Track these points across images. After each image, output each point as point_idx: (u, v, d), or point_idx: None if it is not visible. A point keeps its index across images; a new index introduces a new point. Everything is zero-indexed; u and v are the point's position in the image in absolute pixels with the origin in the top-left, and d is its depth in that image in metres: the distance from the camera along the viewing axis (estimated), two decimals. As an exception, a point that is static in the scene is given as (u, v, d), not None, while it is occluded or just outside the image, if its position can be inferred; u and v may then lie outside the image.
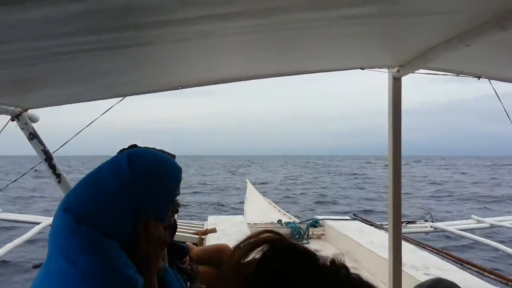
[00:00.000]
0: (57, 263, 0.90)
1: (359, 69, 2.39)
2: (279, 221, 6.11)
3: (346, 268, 0.48)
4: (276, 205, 8.26)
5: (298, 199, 20.91)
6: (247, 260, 0.49)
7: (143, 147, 1.63)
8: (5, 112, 2.20)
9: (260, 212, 7.38)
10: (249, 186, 10.19)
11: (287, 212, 7.89)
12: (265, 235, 0.51)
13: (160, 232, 1.04)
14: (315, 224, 5.87)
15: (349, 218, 6.55)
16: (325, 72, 2.50)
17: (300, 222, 6.25)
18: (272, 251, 0.48)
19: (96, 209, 0.95)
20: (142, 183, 1.00)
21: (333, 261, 0.49)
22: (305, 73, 2.52)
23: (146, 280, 0.99)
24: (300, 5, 1.23)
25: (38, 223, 4.55)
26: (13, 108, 2.26)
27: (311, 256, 0.49)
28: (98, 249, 0.91)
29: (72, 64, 1.54)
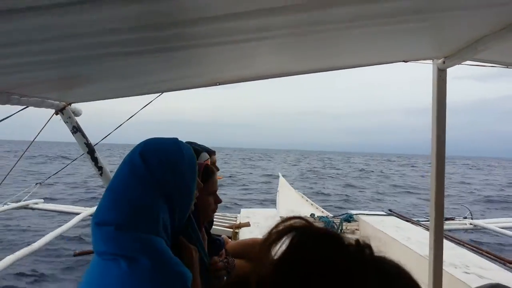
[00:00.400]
0: (108, 266, 0.91)
1: (402, 62, 2.31)
2: (312, 215, 6.06)
3: (370, 247, 0.50)
4: (308, 199, 8.20)
5: (326, 194, 20.62)
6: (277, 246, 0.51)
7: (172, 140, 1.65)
8: (50, 106, 2.28)
9: (293, 205, 7.35)
10: (281, 179, 10.17)
11: (320, 206, 7.82)
12: (292, 221, 0.53)
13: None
14: (349, 218, 5.78)
15: (384, 213, 6.41)
16: (365, 67, 2.43)
17: (333, 217, 6.17)
18: (299, 237, 0.50)
19: (130, 213, 0.96)
20: (160, 174, 1.02)
21: (357, 241, 0.50)
22: (344, 68, 2.46)
23: (193, 274, 1.00)
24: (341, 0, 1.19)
25: (78, 213, 4.73)
26: (58, 102, 2.34)
27: (337, 238, 0.50)
28: (149, 248, 0.92)
29: (117, 64, 1.58)
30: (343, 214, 6.09)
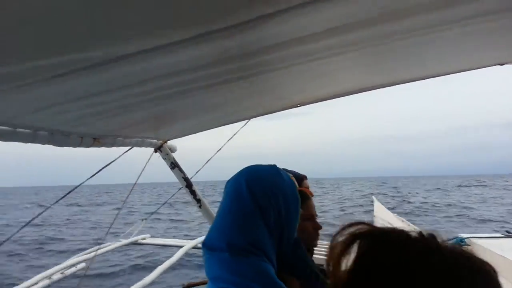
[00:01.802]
0: None
1: (498, 65, 2.09)
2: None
3: (434, 237, 0.51)
4: (407, 221, 7.62)
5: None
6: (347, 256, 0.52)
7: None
8: (150, 145, 2.50)
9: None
10: (376, 203, 9.66)
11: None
12: (355, 227, 0.53)
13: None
14: (460, 242, 5.21)
15: (501, 235, 5.67)
16: (455, 74, 2.26)
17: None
18: (369, 243, 0.51)
19: (241, 240, 0.97)
20: (265, 202, 1.02)
21: (420, 233, 0.51)
22: (430, 77, 2.32)
23: None
24: (424, 6, 1.13)
25: (181, 246, 4.97)
26: (156, 140, 2.55)
27: (404, 236, 0.51)
28: (262, 274, 0.93)
29: (204, 97, 1.69)
30: (452, 238, 5.52)
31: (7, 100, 1.00)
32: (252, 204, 1.01)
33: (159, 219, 21.14)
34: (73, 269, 3.82)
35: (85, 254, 4.15)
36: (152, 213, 4.40)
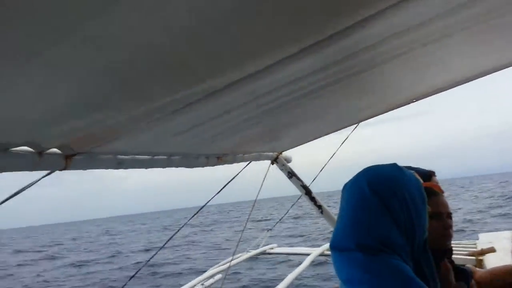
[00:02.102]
0: None
1: None
2: None
3: None
4: None
5: None
6: None
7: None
8: (266, 157, 2.62)
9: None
10: None
11: None
12: None
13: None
14: None
15: None
16: None
17: None
18: None
19: (373, 240, 0.96)
20: (392, 203, 1.00)
21: None
22: None
23: None
24: None
25: (308, 254, 5.01)
26: (271, 153, 2.67)
27: None
28: (399, 272, 0.92)
29: (312, 104, 1.71)
30: None
31: (150, 132, 1.18)
32: (377, 202, 0.99)
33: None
34: (211, 281, 4.14)
35: (220, 266, 4.47)
36: (275, 223, 4.55)
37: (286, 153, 2.83)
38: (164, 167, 1.72)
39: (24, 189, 1.20)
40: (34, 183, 1.22)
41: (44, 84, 0.67)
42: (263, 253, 5.46)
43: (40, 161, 1.03)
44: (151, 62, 0.69)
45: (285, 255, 5.95)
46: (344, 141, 2.84)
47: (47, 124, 0.90)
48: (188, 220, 2.62)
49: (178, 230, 2.61)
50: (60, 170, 1.15)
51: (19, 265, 22.47)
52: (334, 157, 2.89)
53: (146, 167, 1.62)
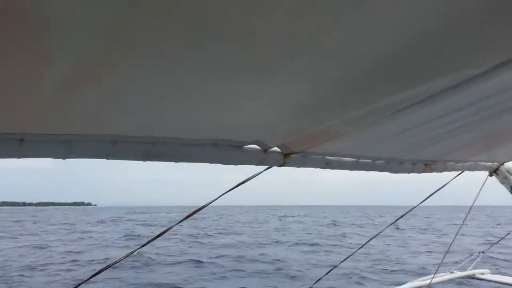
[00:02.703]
0: None
1: None
2: None
3: None
4: None
5: None
6: None
7: None
8: (483, 168, 2.31)
9: None
10: None
11: None
12: None
13: None
14: None
15: None
16: None
17: None
18: None
19: None
20: None
21: None
22: None
23: None
24: None
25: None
26: (490, 163, 2.33)
27: None
28: None
29: None
30: None
31: (361, 135, 1.22)
32: None
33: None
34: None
35: (419, 281, 4.16)
36: (493, 244, 3.93)
37: (508, 164, 2.42)
38: (367, 170, 1.73)
39: (250, 179, 1.42)
40: (257, 175, 1.43)
41: (276, 93, 0.79)
42: (471, 277, 4.83)
43: (265, 157, 1.21)
44: (375, 65, 0.72)
45: (498, 285, 5.07)
46: None
47: (273, 127, 1.05)
48: (396, 219, 2.55)
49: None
50: (279, 166, 1.31)
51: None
52: None
53: (350, 169, 1.67)
